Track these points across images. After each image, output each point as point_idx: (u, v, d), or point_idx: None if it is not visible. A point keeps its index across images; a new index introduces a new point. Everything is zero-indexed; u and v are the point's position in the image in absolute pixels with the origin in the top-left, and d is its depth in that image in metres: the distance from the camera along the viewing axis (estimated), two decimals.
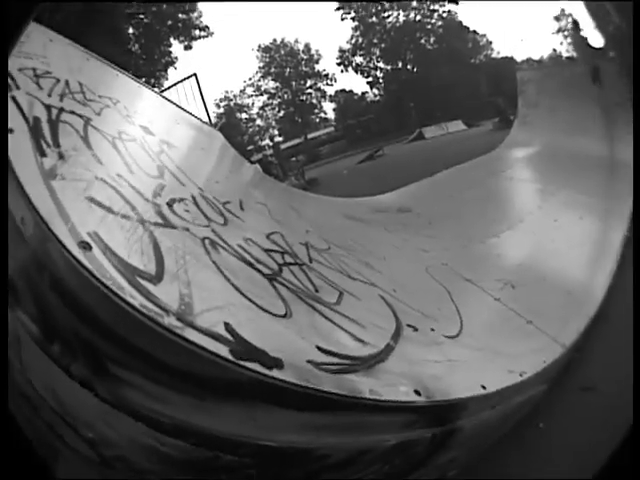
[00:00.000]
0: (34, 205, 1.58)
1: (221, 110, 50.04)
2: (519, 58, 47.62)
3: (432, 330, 2.59)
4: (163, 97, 6.06)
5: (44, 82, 2.85)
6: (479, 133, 22.37)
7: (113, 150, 2.73)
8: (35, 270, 1.53)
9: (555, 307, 3.41)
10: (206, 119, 16.25)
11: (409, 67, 50.78)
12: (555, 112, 9.49)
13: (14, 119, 2.14)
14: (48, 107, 2.55)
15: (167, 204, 2.48)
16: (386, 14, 52.19)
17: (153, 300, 1.41)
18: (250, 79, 53.60)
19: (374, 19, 51.95)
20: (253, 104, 54.24)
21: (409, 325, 2.45)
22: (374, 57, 51.28)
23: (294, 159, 27.57)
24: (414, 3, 51.22)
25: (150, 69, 24.43)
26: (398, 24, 51.56)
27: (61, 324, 1.48)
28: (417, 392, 1.72)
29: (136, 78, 5.73)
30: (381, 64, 51.26)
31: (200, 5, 28.36)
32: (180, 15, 27.44)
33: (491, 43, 53.46)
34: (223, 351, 1.37)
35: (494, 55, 51.36)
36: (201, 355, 1.34)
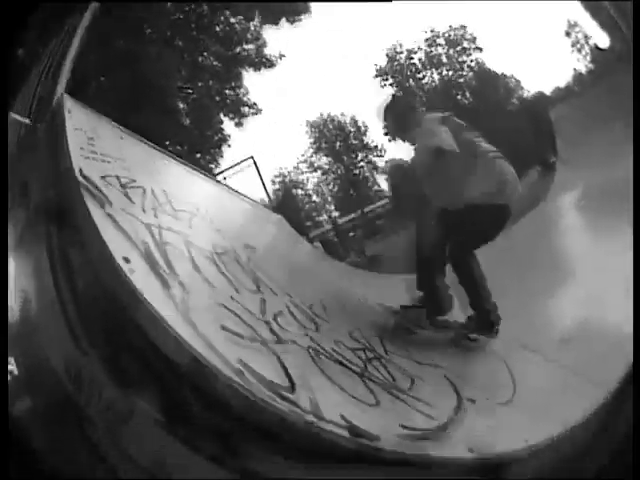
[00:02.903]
0: (190, 345, 1.85)
1: (276, 187, 51.51)
2: (548, 90, 46.55)
3: (487, 399, 3.06)
4: (228, 187, 6.78)
5: (133, 194, 2.79)
6: (527, 184, 22.05)
7: (216, 269, 2.94)
8: (174, 381, 1.88)
9: (602, 355, 3.62)
10: (266, 199, 17.11)
11: None
12: (592, 146, 9.70)
13: (124, 246, 2.16)
14: (149, 227, 2.56)
15: (273, 320, 2.81)
16: (421, 75, 53.33)
17: (295, 404, 1.94)
18: (302, 155, 55.01)
19: (411, 82, 53.16)
20: (308, 180, 55.59)
21: (468, 399, 2.93)
22: None
23: (352, 234, 27.96)
24: (444, 58, 52.32)
25: (205, 145, 24.47)
26: (434, 84, 52.58)
27: (197, 420, 1.87)
28: (470, 450, 2.25)
29: (203, 171, 6.12)
30: None
31: (245, 82, 28.67)
32: (227, 91, 27.94)
33: (520, 83, 52.86)
34: (344, 433, 1.94)
35: (525, 94, 50.64)
36: (328, 437, 1.92)
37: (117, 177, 2.80)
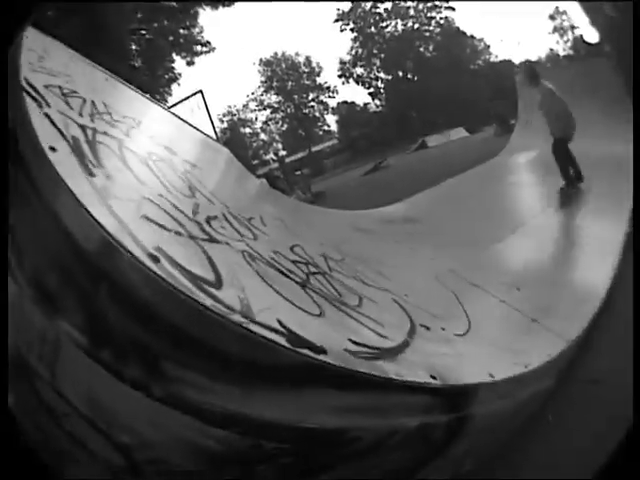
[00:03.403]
0: (100, 223, 1.64)
1: (225, 125, 50.57)
2: (517, 60, 48.15)
3: (442, 329, 2.80)
4: (176, 116, 6.30)
5: (72, 101, 2.82)
6: (481, 139, 22.61)
7: (148, 171, 2.78)
8: (89, 283, 1.62)
9: (560, 305, 3.61)
10: (213, 134, 16.61)
11: (409, 76, 51.20)
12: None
13: (54, 138, 2.11)
14: (83, 127, 2.54)
15: (206, 221, 2.60)
16: (384, 24, 52.71)
17: (221, 301, 1.60)
18: (253, 93, 54.35)
19: (373, 29, 52.41)
20: (256, 118, 54.83)
21: (422, 325, 2.68)
22: (374, 67, 51.83)
23: (299, 172, 27.78)
24: (412, 11, 51.75)
25: (154, 85, 24.45)
26: (397, 33, 52.03)
27: (115, 331, 1.58)
28: (433, 377, 1.95)
29: (153, 98, 5.94)
30: (382, 74, 51.81)
31: (201, 20, 28.53)
32: (181, 30, 27.42)
33: (489, 47, 54.06)
34: (281, 340, 1.59)
35: (492, 59, 51.84)
36: (262, 344, 1.56)
37: (60, 87, 2.87)
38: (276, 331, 1.64)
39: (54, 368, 1.68)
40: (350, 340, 1.95)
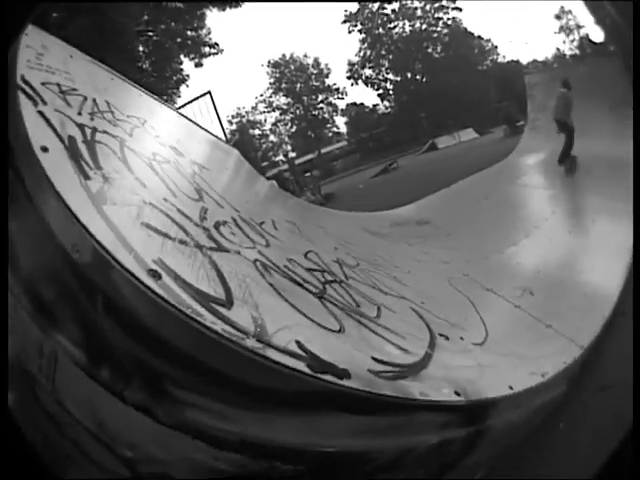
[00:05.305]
0: (92, 233, 1.52)
1: (234, 127, 50.66)
2: (525, 60, 47.94)
3: (461, 338, 2.73)
4: (185, 117, 6.28)
5: (71, 99, 2.75)
6: (491, 141, 22.41)
7: (152, 172, 2.70)
8: (85, 296, 1.52)
9: (573, 310, 3.55)
10: (222, 136, 16.60)
11: (418, 77, 50.98)
12: None
13: (47, 137, 2.03)
14: (81, 126, 2.44)
15: (214, 227, 2.49)
16: (392, 25, 52.53)
17: (232, 324, 1.48)
18: (261, 95, 54.25)
19: (380, 30, 52.22)
20: (266, 120, 54.80)
21: (441, 334, 2.60)
22: (383, 69, 51.57)
23: (308, 174, 27.67)
24: (419, 12, 51.55)
25: (162, 86, 24.39)
26: (405, 34, 51.82)
27: (114, 349, 1.48)
28: (457, 393, 1.87)
29: (158, 97, 5.89)
30: (390, 75, 51.54)
31: (209, 22, 28.38)
32: (189, 32, 27.42)
33: (497, 47, 53.69)
34: (301, 366, 1.47)
35: (500, 59, 51.55)
36: (280, 371, 1.43)
37: (58, 84, 2.81)
38: (295, 355, 1.53)
39: (54, 380, 1.60)
40: (373, 358, 1.85)
